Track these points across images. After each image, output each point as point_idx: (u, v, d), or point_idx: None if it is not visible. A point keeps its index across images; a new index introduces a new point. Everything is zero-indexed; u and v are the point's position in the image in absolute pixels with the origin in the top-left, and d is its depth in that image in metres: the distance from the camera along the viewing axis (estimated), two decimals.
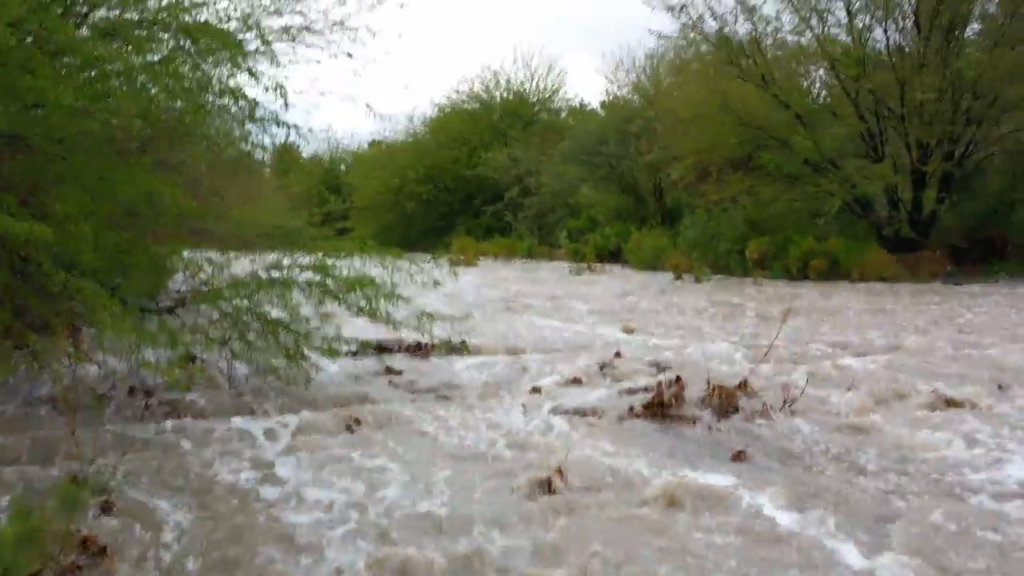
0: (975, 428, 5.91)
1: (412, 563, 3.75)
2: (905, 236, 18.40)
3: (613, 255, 25.42)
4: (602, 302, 13.96)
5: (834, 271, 17.44)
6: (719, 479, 4.87)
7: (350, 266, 7.21)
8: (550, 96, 41.62)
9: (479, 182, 36.42)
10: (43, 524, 3.18)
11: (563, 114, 41.03)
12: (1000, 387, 7.04)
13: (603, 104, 33.31)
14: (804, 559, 3.84)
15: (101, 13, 6.96)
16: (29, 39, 4.85)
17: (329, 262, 6.98)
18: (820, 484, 4.83)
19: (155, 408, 6.38)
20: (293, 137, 8.11)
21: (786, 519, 4.28)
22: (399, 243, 31.84)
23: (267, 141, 9.90)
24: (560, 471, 4.84)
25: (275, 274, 7.00)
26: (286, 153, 50.18)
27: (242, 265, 7.48)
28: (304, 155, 50.56)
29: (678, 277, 18.52)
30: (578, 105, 40.66)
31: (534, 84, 41.33)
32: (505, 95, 41.19)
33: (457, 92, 42.12)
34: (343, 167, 49.61)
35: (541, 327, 10.93)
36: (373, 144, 46.70)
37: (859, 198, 19.24)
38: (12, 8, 4.38)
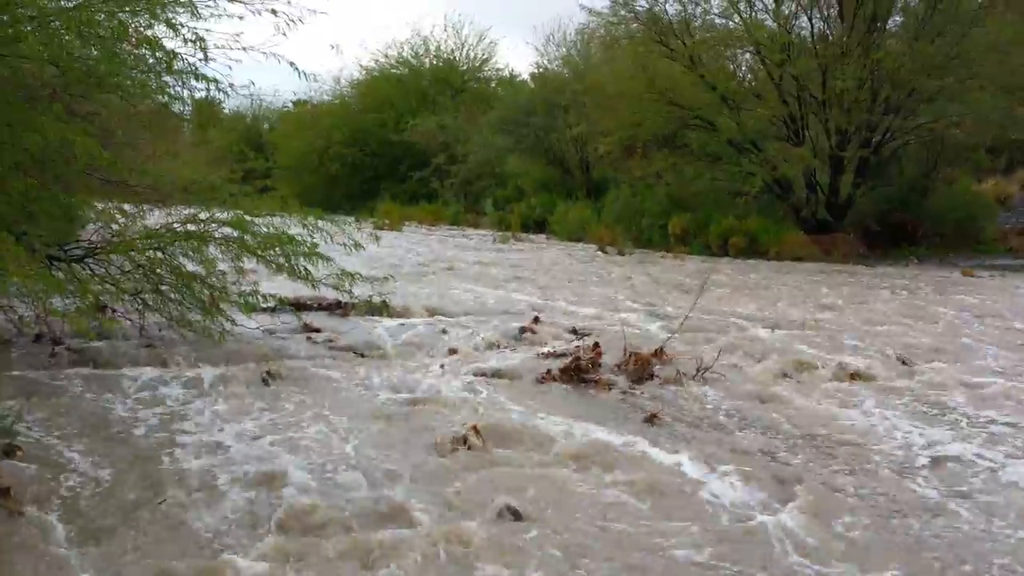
0: (875, 400, 6.14)
1: (318, 512, 3.76)
2: (822, 218, 18.84)
3: (538, 225, 25.50)
4: (524, 270, 14.03)
5: (753, 249, 17.82)
6: (630, 439, 4.99)
7: (269, 224, 7.13)
8: (480, 65, 41.35)
9: (406, 148, 36.03)
10: None
11: (493, 84, 40.84)
12: (904, 363, 7.31)
13: (533, 76, 33.30)
14: (707, 512, 3.98)
15: None
16: None
17: (247, 218, 6.88)
18: (726, 447, 4.98)
19: (62, 356, 6.25)
20: (213, 92, 7.93)
21: (692, 477, 4.42)
22: (322, 205, 31.22)
23: (186, 95, 9.69)
24: (476, 429, 4.90)
25: (191, 227, 6.89)
26: (207, 108, 49.18)
27: (158, 218, 7.33)
28: (226, 111, 49.54)
29: (601, 249, 18.69)
30: (508, 75, 40.56)
31: (464, 53, 41.04)
32: (435, 62, 40.82)
33: (386, 56, 41.61)
34: (267, 125, 48.59)
35: (463, 292, 10.95)
36: (299, 104, 45.83)
37: (779, 180, 19.62)
38: None
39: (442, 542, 3.50)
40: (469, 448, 4.75)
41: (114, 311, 7.07)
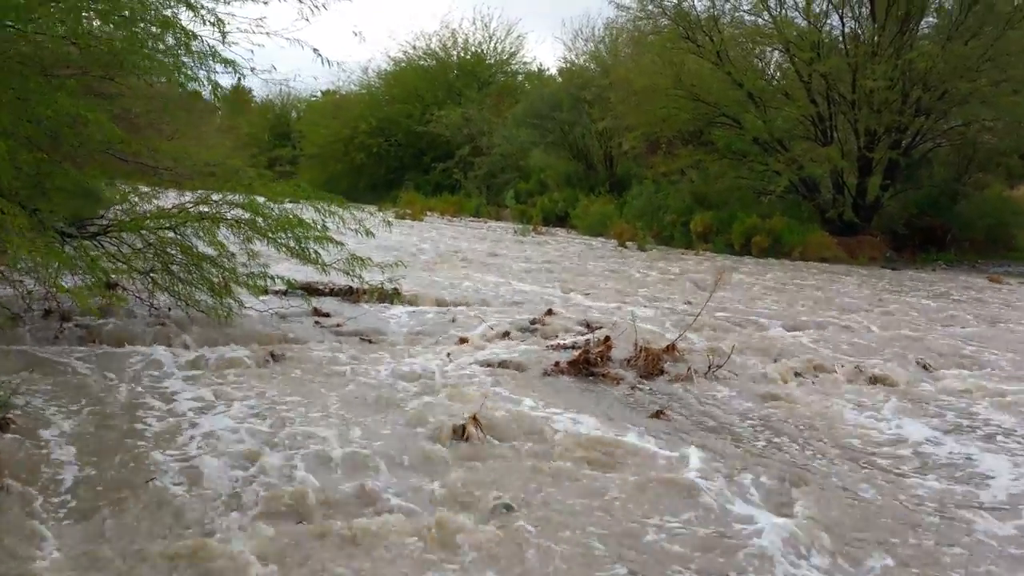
0: (891, 404, 5.97)
1: (306, 497, 3.67)
2: (848, 220, 18.56)
3: (560, 219, 25.35)
4: (541, 263, 13.90)
5: (776, 249, 17.57)
6: (633, 435, 4.87)
7: (281, 208, 7.07)
8: (508, 59, 41.21)
9: (431, 139, 35.97)
10: None
11: (520, 77, 40.66)
12: (925, 368, 7.14)
13: (561, 71, 33.08)
14: (706, 511, 3.85)
15: None
16: None
17: (260, 200, 6.82)
18: (732, 446, 4.85)
19: (70, 332, 6.23)
20: (236, 77, 7.87)
21: (694, 474, 4.28)
22: (346, 194, 31.35)
23: (210, 78, 9.64)
24: (475, 419, 4.79)
25: (203, 208, 6.83)
26: (237, 95, 49.36)
27: (174, 199, 7.29)
28: (256, 100, 49.74)
29: (622, 245, 18.52)
30: (536, 70, 40.35)
31: (492, 46, 40.89)
32: (463, 55, 40.70)
33: (414, 48, 41.54)
34: (295, 114, 48.71)
35: (477, 282, 10.84)
36: (327, 93, 45.87)
37: (805, 179, 19.38)
38: None
39: (429, 532, 3.39)
40: (467, 438, 4.64)
41: (124, 289, 7.04)
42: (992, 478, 4.55)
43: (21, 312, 6.42)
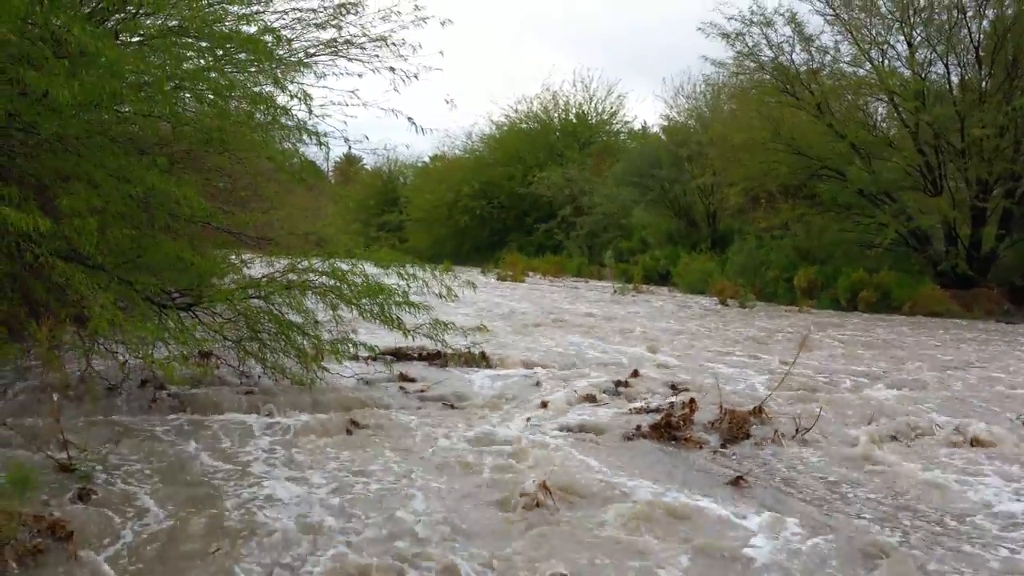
0: (994, 469, 5.65)
1: (374, 570, 3.67)
2: (962, 272, 17.87)
3: (662, 278, 25.18)
4: (637, 323, 13.77)
5: (885, 304, 17.01)
6: (708, 503, 4.73)
7: (363, 274, 7.22)
8: (609, 118, 41.51)
9: (533, 200, 36.41)
10: None
11: (622, 136, 40.85)
12: None
13: (663, 128, 33.08)
14: None
15: (141, 18, 7.08)
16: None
17: (343, 268, 6.98)
18: (812, 514, 4.65)
19: (163, 401, 6.44)
20: (322, 148, 8.15)
21: (769, 547, 4.12)
22: (451, 256, 32.00)
23: (314, 152, 10.01)
24: (545, 485, 4.74)
25: (291, 277, 7.03)
26: (347, 164, 51.04)
27: (265, 267, 7.53)
28: (367, 168, 51.40)
29: (723, 302, 18.22)
30: (640, 128, 40.44)
31: (593, 106, 41.27)
32: (564, 116, 41.22)
33: (516, 111, 42.29)
34: (402, 180, 50.03)
35: (567, 344, 10.80)
36: (435, 159, 47.06)
37: (916, 231, 18.78)
38: (15, 5, 4.45)
39: None
40: (537, 505, 4.58)
41: (218, 358, 7.28)
42: None
43: (118, 383, 6.68)
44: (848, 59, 19.80)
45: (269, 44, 7.16)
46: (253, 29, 7.39)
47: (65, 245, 5.31)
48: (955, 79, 18.91)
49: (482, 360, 8.74)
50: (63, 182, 5.57)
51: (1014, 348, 11.74)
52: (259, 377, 7.30)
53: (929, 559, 4.08)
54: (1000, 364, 10.14)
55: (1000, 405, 7.61)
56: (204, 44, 7.13)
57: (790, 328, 13.59)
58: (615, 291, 21.07)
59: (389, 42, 8.32)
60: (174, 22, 7.00)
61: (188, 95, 7.08)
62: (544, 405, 7.10)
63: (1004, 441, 6.35)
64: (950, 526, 4.59)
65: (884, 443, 6.27)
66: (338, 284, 7.03)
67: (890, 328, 13.96)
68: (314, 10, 8.16)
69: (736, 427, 6.37)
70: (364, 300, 7.03)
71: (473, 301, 13.13)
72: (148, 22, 7.14)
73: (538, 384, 7.89)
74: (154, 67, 6.17)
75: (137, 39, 7.14)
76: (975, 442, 6.37)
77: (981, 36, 18.04)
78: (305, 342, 7.01)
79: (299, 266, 7.12)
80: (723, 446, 6.05)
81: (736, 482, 5.21)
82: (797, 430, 6.32)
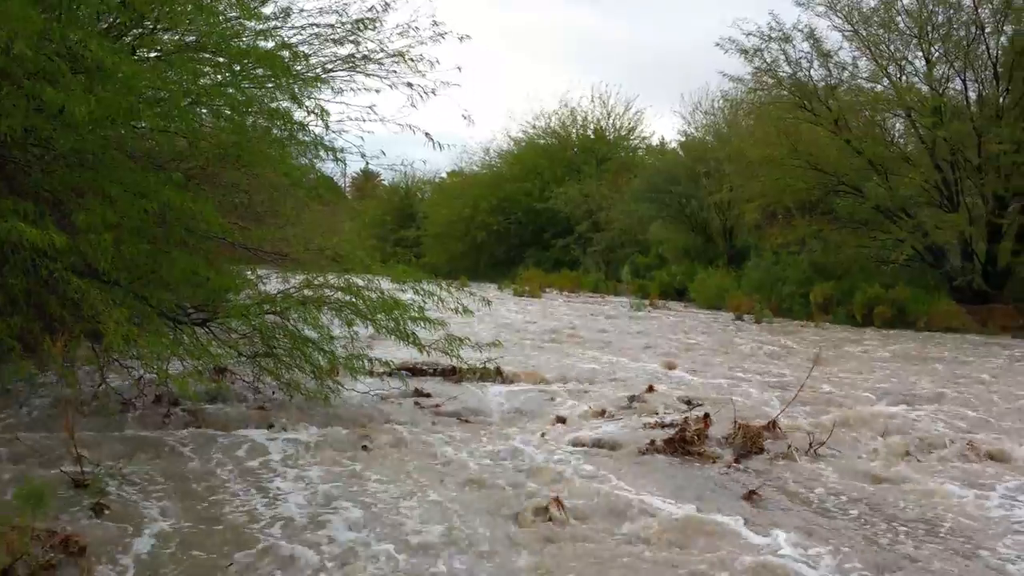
0: (1008, 483, 5.66)
1: None
2: (978, 288, 17.80)
3: (679, 293, 25.17)
4: (653, 338, 13.80)
5: (900, 319, 16.95)
6: (722, 518, 4.75)
7: (396, 290, 7.30)
8: (627, 134, 41.54)
9: (550, 215, 36.45)
10: (8, 521, 3.24)
11: (640, 151, 40.85)
12: None
13: (681, 144, 33.10)
14: None
15: (158, 33, 7.21)
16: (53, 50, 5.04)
17: (358, 283, 7.07)
18: (825, 529, 4.67)
19: (176, 417, 6.51)
20: (337, 164, 8.25)
21: (780, 560, 4.15)
22: (468, 272, 32.10)
23: (331, 168, 10.07)
24: (558, 500, 4.78)
25: (307, 292, 7.12)
26: (366, 180, 51.30)
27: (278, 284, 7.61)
28: (385, 183, 51.59)
29: (739, 318, 18.22)
30: (658, 144, 40.45)
31: (611, 122, 41.32)
32: (582, 131, 41.29)
33: (534, 127, 42.41)
34: (420, 195, 50.17)
35: (581, 359, 10.85)
36: (452, 174, 47.17)
37: (932, 247, 18.72)
38: (33, 22, 4.57)
39: None
40: (551, 520, 4.63)
41: (233, 373, 7.36)
42: None
43: (133, 398, 6.76)
44: (866, 75, 19.83)
45: (286, 59, 7.28)
46: (270, 44, 7.52)
47: (80, 260, 5.38)
48: (972, 95, 18.87)
49: (497, 375, 8.80)
50: (79, 197, 5.65)
51: None
52: (273, 393, 7.36)
53: (947, 572, 4.11)
54: (1015, 379, 10.11)
55: (1015, 420, 7.60)
56: (221, 60, 7.22)
57: (805, 343, 13.58)
58: (631, 307, 21.09)
59: (407, 57, 8.37)
60: (191, 38, 7.11)
61: (205, 110, 7.21)
62: (559, 420, 7.15)
63: (1017, 457, 6.36)
64: (964, 539, 4.60)
65: (898, 458, 6.28)
66: (353, 299, 7.12)
67: (905, 343, 13.92)
68: (332, 25, 8.23)
69: (750, 442, 6.39)
70: (380, 315, 7.11)
71: (490, 316, 13.20)
72: (165, 38, 7.25)
73: (553, 399, 7.94)
74: (171, 83, 6.27)
75: (154, 55, 7.24)
76: (989, 456, 6.38)
77: (999, 52, 18.02)
78: (320, 357, 7.08)
79: (315, 282, 7.21)
80: (737, 460, 6.08)
81: (749, 496, 5.24)
82: (811, 445, 6.34)
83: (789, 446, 6.32)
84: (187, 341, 6.61)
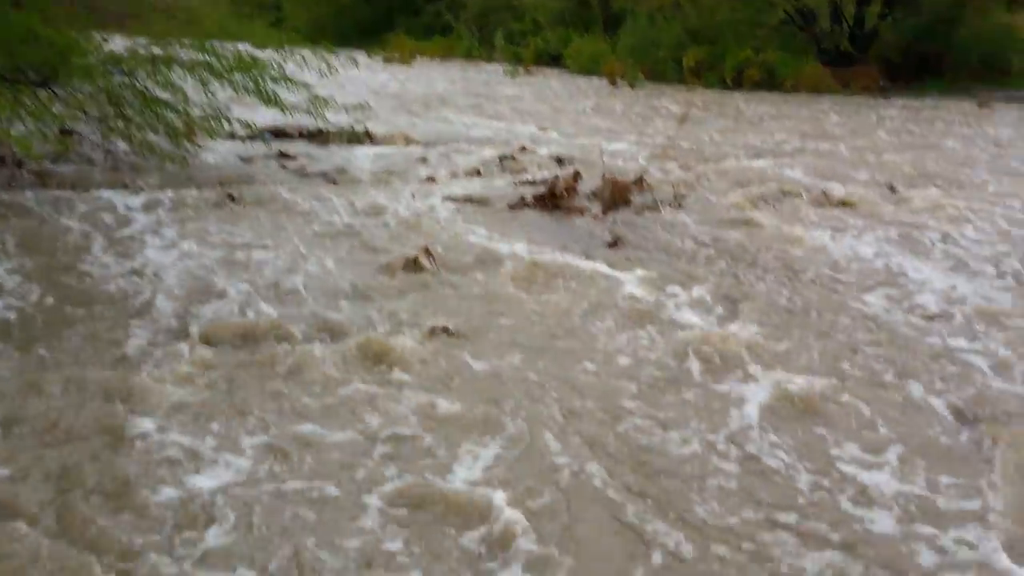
0: (852, 224, 6.00)
1: (246, 326, 3.74)
2: (844, 50, 18.10)
3: (554, 60, 24.73)
4: (526, 102, 13.67)
5: (769, 82, 17.17)
6: (587, 262, 4.90)
7: (239, 50, 6.91)
8: None
9: None
10: None
11: None
12: (892, 190, 7.10)
13: None
14: (654, 324, 3.94)
15: None
16: None
17: (213, 42, 6.65)
18: (683, 269, 4.89)
19: (22, 177, 6.18)
20: None
21: (641, 293, 4.35)
22: (333, 37, 30.57)
23: None
24: (427, 250, 4.83)
25: (156, 51, 6.66)
26: None
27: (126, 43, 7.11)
28: None
29: (612, 83, 18.12)
30: None
31: None
32: None
33: None
34: None
35: (455, 122, 10.70)
36: None
37: (802, 10, 18.77)
38: None
39: (366, 353, 3.47)
40: (420, 269, 4.69)
41: (79, 135, 6.96)
42: (930, 287, 4.63)
43: None
44: None
45: None
46: None
47: None
48: None
49: (366, 138, 8.60)
50: None
51: (884, 120, 12.14)
52: (126, 155, 7.02)
53: (784, 298, 4.39)
54: (869, 134, 10.51)
55: (865, 170, 7.96)
56: None
57: (676, 106, 13.69)
58: (505, 73, 20.73)
59: None
60: None
61: None
62: (430, 180, 7.11)
63: (865, 201, 6.72)
64: (808, 272, 4.89)
65: (756, 206, 6.54)
66: (207, 58, 6.73)
67: (771, 105, 14.21)
68: None
69: (618, 195, 6.51)
70: (237, 75, 6.76)
71: (359, 82, 12.75)
72: None
73: (425, 160, 7.85)
74: None
75: None
76: (839, 203, 6.72)
77: None
78: (175, 118, 6.75)
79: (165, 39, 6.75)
80: (604, 213, 6.21)
81: (614, 244, 5.40)
82: (675, 197, 6.52)
83: (654, 198, 6.48)
84: (28, 103, 6.16)
